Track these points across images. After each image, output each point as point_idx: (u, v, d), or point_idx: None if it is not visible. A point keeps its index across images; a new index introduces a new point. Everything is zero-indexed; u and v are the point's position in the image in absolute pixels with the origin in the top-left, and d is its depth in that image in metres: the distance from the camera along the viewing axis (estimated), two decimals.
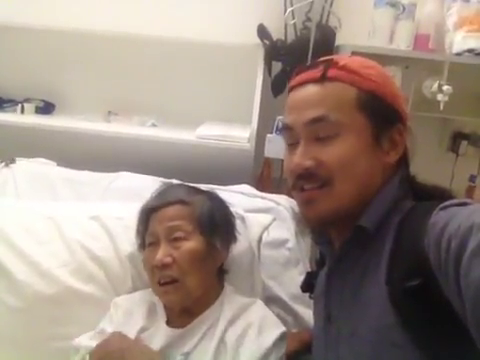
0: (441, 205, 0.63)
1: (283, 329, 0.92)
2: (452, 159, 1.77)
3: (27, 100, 1.78)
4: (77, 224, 1.10)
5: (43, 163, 1.43)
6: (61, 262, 1.03)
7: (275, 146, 1.43)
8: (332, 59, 0.76)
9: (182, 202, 0.97)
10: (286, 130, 0.78)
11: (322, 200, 0.72)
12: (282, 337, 0.90)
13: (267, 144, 1.48)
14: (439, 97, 1.45)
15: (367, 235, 0.70)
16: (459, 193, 0.75)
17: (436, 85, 1.46)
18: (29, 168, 1.38)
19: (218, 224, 0.98)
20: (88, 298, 1.01)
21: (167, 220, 0.94)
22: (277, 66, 1.64)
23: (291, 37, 1.63)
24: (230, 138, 1.53)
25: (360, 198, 0.72)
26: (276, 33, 1.61)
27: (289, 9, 1.57)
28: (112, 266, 1.04)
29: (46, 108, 1.80)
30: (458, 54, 1.48)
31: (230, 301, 0.96)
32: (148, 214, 0.99)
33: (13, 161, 1.39)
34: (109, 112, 1.79)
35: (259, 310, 0.95)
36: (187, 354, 0.88)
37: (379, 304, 0.65)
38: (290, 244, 1.18)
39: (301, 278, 1.05)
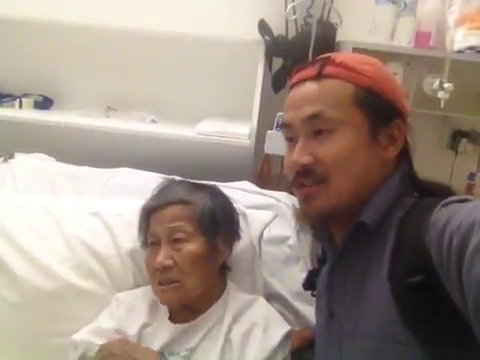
0: (443, 202, 0.63)
1: (288, 328, 0.92)
2: (451, 157, 1.77)
3: (25, 95, 1.77)
4: (77, 220, 1.09)
5: (42, 158, 1.43)
6: (61, 258, 1.02)
7: (275, 142, 1.42)
8: (329, 56, 0.76)
9: (182, 202, 0.95)
10: (285, 127, 0.78)
11: (320, 196, 0.73)
12: (287, 336, 0.90)
13: (267, 140, 1.48)
14: (440, 94, 1.45)
15: (368, 231, 0.70)
16: (458, 191, 0.74)
17: (437, 82, 1.46)
18: (28, 163, 1.37)
19: (220, 223, 0.96)
20: (88, 294, 1.01)
21: (167, 221, 0.93)
22: (278, 62, 1.64)
23: (292, 33, 1.63)
24: (230, 134, 1.53)
25: (359, 194, 0.72)
26: (277, 29, 1.61)
27: (290, 5, 1.56)
28: (113, 263, 1.04)
29: (44, 103, 1.78)
30: (459, 51, 1.48)
31: (234, 298, 0.96)
32: (149, 213, 0.98)
33: (12, 156, 1.38)
34: (108, 108, 1.77)
35: (263, 308, 0.95)
36: (192, 349, 0.88)
37: (381, 300, 0.65)
38: (291, 241, 1.18)
39: (302, 275, 1.05)
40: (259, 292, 1.04)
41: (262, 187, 1.36)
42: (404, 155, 0.77)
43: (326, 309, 0.79)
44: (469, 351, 0.58)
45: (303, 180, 0.74)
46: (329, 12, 1.61)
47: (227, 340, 0.88)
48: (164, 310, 0.95)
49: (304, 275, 0.96)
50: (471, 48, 1.47)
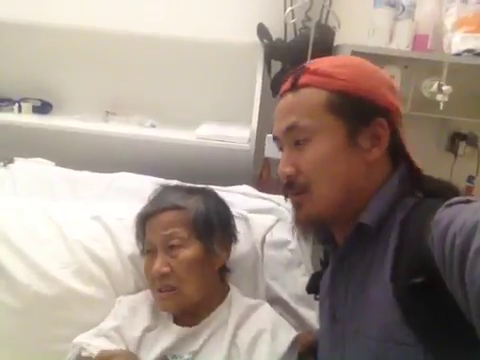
0: (446, 202, 0.63)
1: (295, 333, 0.92)
2: (450, 159, 1.78)
3: (24, 99, 1.76)
4: (78, 225, 1.09)
5: (41, 163, 1.42)
6: (62, 263, 1.02)
7: (275, 146, 1.42)
8: (304, 66, 0.77)
9: (176, 207, 0.95)
10: (274, 139, 0.80)
11: (306, 204, 0.74)
12: (295, 341, 0.90)
13: (267, 144, 1.47)
14: (439, 97, 1.46)
15: (369, 232, 0.70)
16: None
17: (435, 85, 1.46)
18: (27, 168, 1.36)
19: (215, 227, 0.96)
20: (89, 299, 1.00)
21: (162, 228, 0.93)
22: (277, 65, 1.64)
23: (291, 36, 1.63)
24: (230, 138, 1.53)
25: (350, 197, 0.72)
26: (276, 32, 1.61)
27: (289, 8, 1.57)
28: (114, 267, 1.03)
29: (43, 107, 1.78)
30: (457, 54, 1.49)
31: (237, 303, 0.95)
32: (143, 221, 0.98)
33: (11, 161, 1.38)
34: (107, 112, 1.77)
35: (269, 313, 0.95)
36: (195, 353, 0.88)
37: (384, 301, 0.65)
38: (292, 245, 1.18)
39: (303, 279, 1.05)
40: (261, 296, 1.04)
41: (262, 191, 1.36)
42: (400, 155, 0.76)
43: (329, 311, 0.79)
44: (471, 352, 0.58)
45: (289, 190, 0.76)
46: (327, 15, 1.62)
47: (233, 345, 0.88)
48: (167, 314, 0.95)
49: (305, 279, 0.97)
50: (469, 51, 1.48)
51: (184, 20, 1.66)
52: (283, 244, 1.17)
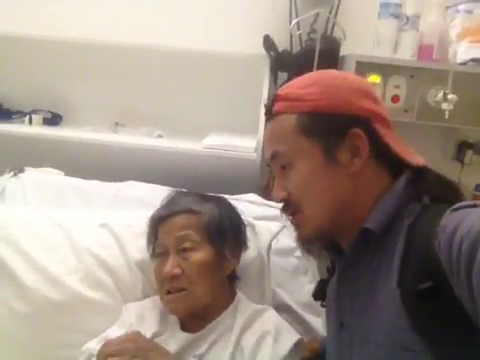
0: (452, 207, 0.63)
1: (298, 336, 0.92)
2: (457, 168, 1.77)
3: (35, 111, 1.79)
4: (86, 231, 1.10)
5: (51, 173, 1.44)
6: (70, 269, 1.03)
7: None
8: (276, 93, 0.78)
9: (190, 211, 0.96)
10: (268, 165, 0.83)
11: (301, 225, 0.76)
12: (297, 345, 0.90)
13: None
14: (444, 106, 1.46)
15: (374, 238, 0.70)
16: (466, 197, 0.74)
17: (441, 94, 1.47)
18: (37, 177, 1.39)
19: (227, 233, 0.97)
20: (97, 305, 1.01)
21: (175, 230, 0.94)
22: (283, 77, 1.66)
23: (296, 48, 1.65)
24: (236, 148, 1.54)
25: (340, 212, 0.73)
26: (282, 44, 1.63)
27: (294, 20, 1.59)
28: (121, 273, 1.04)
29: (53, 119, 1.81)
30: (462, 64, 1.50)
31: (243, 308, 0.96)
32: (157, 224, 0.99)
33: (22, 170, 1.40)
34: (116, 123, 1.80)
35: (274, 317, 0.95)
36: (200, 356, 0.88)
37: (391, 308, 0.65)
38: (298, 252, 1.18)
39: (310, 287, 1.05)
40: (267, 303, 1.04)
41: (268, 200, 1.36)
42: (402, 161, 0.74)
43: (336, 319, 0.79)
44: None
45: (286, 212, 0.78)
46: (333, 27, 1.64)
47: (238, 348, 0.88)
48: (174, 320, 0.95)
49: (312, 286, 0.96)
50: (474, 60, 1.48)
51: (191, 32, 1.68)
52: (289, 251, 1.18)
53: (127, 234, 1.09)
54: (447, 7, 1.58)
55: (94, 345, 0.91)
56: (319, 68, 1.46)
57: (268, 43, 1.59)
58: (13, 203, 1.29)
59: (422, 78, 1.55)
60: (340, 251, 0.81)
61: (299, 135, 0.73)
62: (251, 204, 1.28)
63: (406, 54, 1.57)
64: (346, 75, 0.80)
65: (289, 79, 1.66)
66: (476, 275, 0.52)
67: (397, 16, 1.56)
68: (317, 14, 1.59)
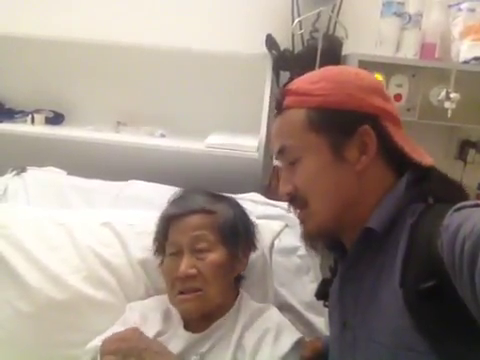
0: (455, 207, 0.62)
1: (299, 336, 0.92)
2: (460, 167, 1.76)
3: (37, 111, 1.79)
4: (89, 231, 1.10)
5: (54, 172, 1.45)
6: (73, 268, 1.03)
7: None
8: (286, 87, 0.78)
9: (205, 211, 0.95)
10: (276, 158, 0.82)
11: (307, 220, 0.76)
12: (298, 344, 0.90)
13: None
14: (446, 104, 1.45)
15: (376, 237, 0.70)
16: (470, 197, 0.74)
17: (443, 93, 1.46)
18: (40, 176, 1.39)
19: (240, 234, 0.97)
20: (99, 304, 1.01)
21: (190, 230, 0.93)
22: (285, 76, 1.65)
23: (298, 47, 1.64)
24: (239, 147, 1.54)
25: (345, 209, 0.73)
26: (284, 43, 1.63)
27: (296, 20, 1.59)
28: (124, 272, 1.04)
29: (56, 119, 1.81)
30: (465, 62, 1.49)
31: (246, 307, 0.96)
32: (169, 221, 0.97)
33: (24, 170, 1.40)
34: (118, 122, 1.79)
35: (275, 316, 0.95)
36: (202, 354, 0.88)
37: (394, 307, 0.65)
38: (301, 252, 1.18)
39: (312, 286, 1.05)
40: (270, 302, 1.04)
41: (270, 199, 1.37)
42: (398, 156, 0.74)
43: (339, 319, 0.79)
44: None
45: (291, 207, 0.79)
46: (335, 26, 1.63)
47: (239, 346, 0.88)
48: (178, 319, 0.95)
49: (314, 286, 0.97)
50: (476, 59, 1.48)
51: (194, 32, 1.68)
52: (292, 250, 1.18)
53: (130, 233, 1.09)
54: (449, 5, 1.58)
55: (97, 342, 0.91)
56: (321, 67, 1.45)
57: (270, 42, 1.59)
58: (15, 202, 1.29)
59: (424, 77, 1.54)
60: (343, 251, 0.81)
61: (307, 130, 0.73)
62: (253, 203, 1.28)
63: (408, 53, 1.57)
64: (357, 71, 0.79)
65: (291, 78, 1.64)
66: (479, 274, 0.52)
67: (399, 15, 1.55)
68: (319, 13, 1.58)
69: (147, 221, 1.03)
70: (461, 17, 1.55)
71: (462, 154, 1.77)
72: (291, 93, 0.76)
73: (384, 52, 1.56)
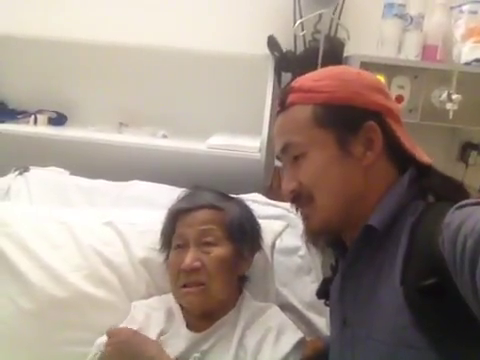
0: (456, 205, 0.63)
1: (301, 335, 0.92)
2: (462, 169, 1.76)
3: (40, 111, 1.80)
4: (90, 229, 1.11)
5: (56, 172, 1.45)
6: (74, 267, 1.04)
7: None
8: (290, 85, 0.79)
9: (213, 207, 0.97)
10: (278, 158, 0.83)
11: (312, 216, 0.76)
12: (299, 343, 0.90)
13: None
14: (448, 106, 1.46)
15: (377, 235, 0.70)
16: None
17: (445, 94, 1.46)
18: (42, 176, 1.40)
19: (247, 232, 0.98)
20: (101, 303, 1.02)
21: (198, 223, 0.94)
22: (287, 77, 1.66)
23: (300, 48, 1.65)
24: (241, 148, 1.54)
25: (350, 205, 0.73)
26: (285, 44, 1.63)
27: (298, 21, 1.59)
28: (125, 271, 1.05)
29: (58, 119, 1.81)
30: (466, 64, 1.50)
31: (247, 306, 0.96)
32: (177, 215, 0.98)
33: (27, 169, 1.41)
34: (120, 123, 1.80)
35: (277, 315, 0.96)
36: (204, 352, 0.88)
37: (394, 305, 0.65)
38: (302, 252, 1.19)
39: (313, 286, 1.05)
40: (271, 302, 1.04)
41: (272, 200, 1.37)
42: (401, 154, 0.75)
43: (339, 317, 0.79)
44: None
45: (296, 204, 0.79)
46: (336, 28, 1.64)
47: (241, 346, 0.88)
48: (180, 319, 0.95)
49: (315, 286, 0.97)
50: (478, 60, 1.48)
51: (195, 33, 1.69)
52: (293, 250, 1.18)
53: (131, 232, 1.10)
54: (451, 7, 1.59)
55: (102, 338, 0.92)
56: (323, 68, 1.46)
57: (272, 43, 1.60)
58: (18, 201, 1.29)
59: (426, 78, 1.55)
60: (344, 248, 0.81)
61: (314, 126, 0.74)
62: (255, 203, 1.28)
63: (410, 54, 1.57)
64: (359, 71, 0.81)
65: (293, 79, 1.66)
66: (479, 275, 0.52)
67: (401, 16, 1.56)
68: (321, 15, 1.59)
69: (149, 220, 1.03)
70: (463, 19, 1.55)
71: (464, 156, 1.77)
72: (295, 90, 0.77)
73: (386, 54, 1.56)
